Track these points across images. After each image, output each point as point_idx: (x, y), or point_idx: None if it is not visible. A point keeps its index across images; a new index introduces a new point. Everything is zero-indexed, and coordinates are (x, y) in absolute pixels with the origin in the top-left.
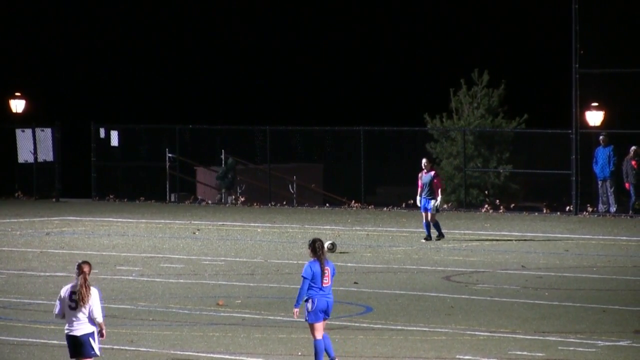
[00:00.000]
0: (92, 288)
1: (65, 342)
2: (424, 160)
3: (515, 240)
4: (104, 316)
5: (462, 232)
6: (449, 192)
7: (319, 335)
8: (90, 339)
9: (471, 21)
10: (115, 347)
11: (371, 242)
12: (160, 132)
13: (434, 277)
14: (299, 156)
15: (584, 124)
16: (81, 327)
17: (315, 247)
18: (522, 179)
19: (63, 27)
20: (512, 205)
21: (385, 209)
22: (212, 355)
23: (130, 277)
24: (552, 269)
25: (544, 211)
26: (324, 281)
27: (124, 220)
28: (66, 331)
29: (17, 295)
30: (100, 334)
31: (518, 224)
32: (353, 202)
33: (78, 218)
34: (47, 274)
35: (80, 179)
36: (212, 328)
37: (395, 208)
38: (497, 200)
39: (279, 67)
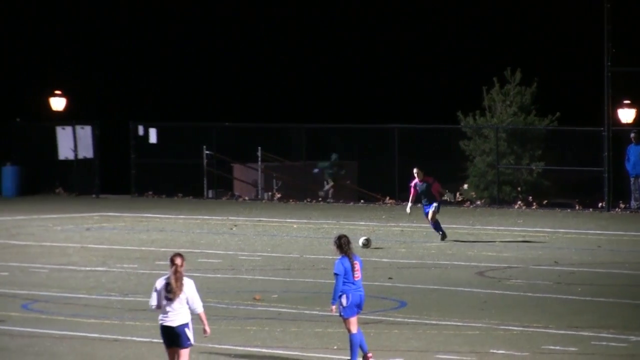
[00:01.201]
0: (186, 279)
1: (161, 331)
2: (415, 170)
3: (548, 236)
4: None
5: (495, 228)
6: (482, 188)
7: (354, 329)
8: (186, 329)
9: (504, 20)
10: (154, 340)
11: (405, 238)
12: (197, 129)
13: (468, 273)
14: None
15: (616, 121)
16: (177, 317)
17: (341, 243)
18: (554, 176)
19: (103, 27)
20: (545, 201)
21: (419, 205)
22: (249, 348)
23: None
24: (585, 265)
25: (576, 208)
26: (355, 275)
27: (162, 216)
28: (161, 321)
29: (58, 290)
30: (204, 330)
31: (550, 220)
32: (387, 198)
33: (117, 214)
34: (87, 268)
35: (120, 176)
36: (249, 322)
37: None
38: (530, 197)
39: (314, 65)
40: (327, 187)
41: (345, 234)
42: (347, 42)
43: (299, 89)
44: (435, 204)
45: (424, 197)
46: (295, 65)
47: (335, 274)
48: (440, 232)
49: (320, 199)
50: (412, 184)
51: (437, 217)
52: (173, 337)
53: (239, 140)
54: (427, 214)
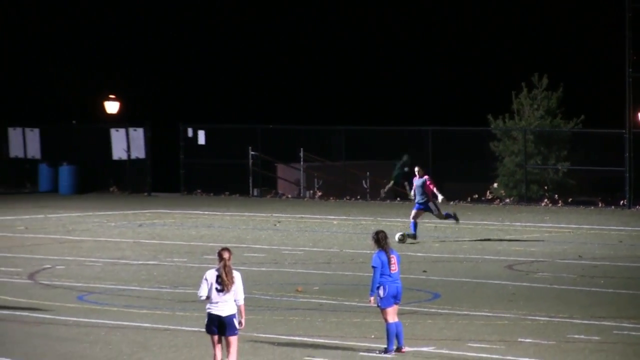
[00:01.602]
0: (235, 272)
1: (209, 320)
2: (416, 168)
3: (572, 232)
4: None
5: (523, 224)
6: (511, 186)
7: (390, 319)
8: (234, 319)
9: (532, 30)
10: (202, 330)
11: (439, 234)
12: (243, 131)
13: (497, 266)
14: (372, 154)
15: (636, 124)
16: (227, 308)
17: (379, 238)
18: (578, 175)
19: (155, 34)
20: (570, 199)
21: (451, 203)
22: (291, 337)
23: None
24: (607, 259)
25: (599, 205)
26: (392, 268)
27: (210, 213)
28: (210, 310)
29: (112, 282)
30: (239, 322)
31: (575, 217)
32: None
33: (168, 211)
34: (140, 262)
35: (170, 175)
36: (291, 313)
37: (460, 202)
38: (556, 195)
39: (354, 71)
40: (387, 187)
41: (383, 229)
42: (385, 51)
43: (340, 93)
44: (422, 206)
45: (419, 192)
46: (337, 72)
47: (373, 267)
48: (413, 233)
49: (358, 196)
50: (413, 179)
51: (419, 219)
52: (223, 326)
53: (283, 142)
54: (416, 210)
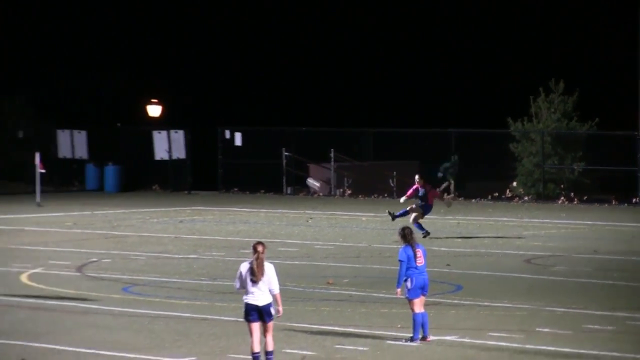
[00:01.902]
0: (267, 264)
1: (247, 309)
2: (416, 177)
3: (588, 228)
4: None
5: (541, 221)
6: (529, 185)
7: (417, 309)
8: (270, 308)
9: (549, 36)
10: (239, 319)
11: (461, 230)
12: (277, 133)
13: (516, 260)
14: (399, 154)
15: None
16: (263, 297)
17: (405, 234)
18: (593, 175)
19: (195, 44)
20: (585, 197)
21: (473, 200)
22: (323, 327)
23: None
24: (620, 254)
25: (613, 203)
26: (418, 261)
27: (246, 210)
28: (247, 300)
29: (154, 274)
30: (277, 310)
31: (590, 214)
32: (445, 195)
33: (207, 208)
34: (180, 256)
35: (209, 174)
36: (323, 303)
37: (482, 200)
38: (572, 193)
39: (381, 76)
40: (443, 186)
41: (408, 226)
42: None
43: (368, 97)
44: (422, 211)
45: (421, 200)
46: (367, 77)
47: (400, 261)
48: (425, 231)
49: (385, 194)
50: (414, 187)
51: (421, 220)
52: (260, 314)
53: (314, 143)
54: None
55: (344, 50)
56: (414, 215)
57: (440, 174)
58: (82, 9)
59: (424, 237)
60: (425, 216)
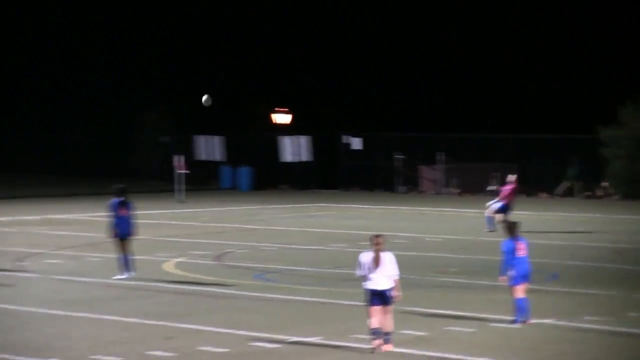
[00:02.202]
0: (386, 253)
1: (369, 294)
2: (514, 177)
3: None
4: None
5: (630, 216)
6: (618, 185)
7: (519, 295)
8: (389, 292)
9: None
10: (358, 303)
11: (555, 225)
12: (392, 138)
13: (607, 252)
14: (501, 157)
15: None
16: (384, 283)
17: (509, 227)
18: None
19: (321, 58)
20: None
21: (568, 198)
22: (433, 310)
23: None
24: None
25: None
26: (520, 252)
27: (364, 206)
28: (370, 286)
29: (283, 263)
30: (396, 295)
31: None
32: (541, 193)
33: (330, 205)
34: (306, 247)
35: (331, 175)
36: (433, 290)
37: (573, 198)
38: None
39: (487, 86)
40: (562, 186)
41: (514, 221)
42: (506, 66)
43: (475, 105)
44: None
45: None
46: (472, 87)
47: (503, 252)
48: (491, 226)
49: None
50: (510, 187)
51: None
52: (382, 298)
53: (425, 147)
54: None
55: (450, 61)
56: (492, 208)
57: (575, 173)
58: (216, 27)
59: (490, 231)
60: (523, 213)
